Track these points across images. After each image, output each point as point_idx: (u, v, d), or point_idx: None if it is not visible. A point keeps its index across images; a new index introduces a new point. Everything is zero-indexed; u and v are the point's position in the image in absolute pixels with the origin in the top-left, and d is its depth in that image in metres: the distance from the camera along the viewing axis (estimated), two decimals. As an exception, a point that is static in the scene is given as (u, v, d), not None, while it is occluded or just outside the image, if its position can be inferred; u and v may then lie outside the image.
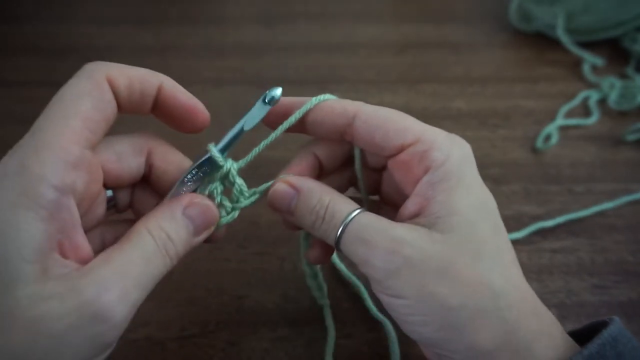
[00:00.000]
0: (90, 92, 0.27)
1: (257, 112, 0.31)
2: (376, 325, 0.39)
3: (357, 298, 0.40)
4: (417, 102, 0.59)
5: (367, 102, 0.31)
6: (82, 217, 0.27)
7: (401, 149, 0.30)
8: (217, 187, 0.31)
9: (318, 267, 0.39)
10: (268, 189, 0.32)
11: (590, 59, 0.63)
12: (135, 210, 0.32)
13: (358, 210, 0.29)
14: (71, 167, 0.25)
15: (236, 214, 0.32)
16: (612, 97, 0.58)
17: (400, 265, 0.27)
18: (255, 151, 0.32)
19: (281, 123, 0.32)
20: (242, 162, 0.31)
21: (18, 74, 0.64)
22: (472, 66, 0.64)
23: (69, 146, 0.25)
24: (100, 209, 0.30)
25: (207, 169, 0.30)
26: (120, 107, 0.28)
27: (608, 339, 0.27)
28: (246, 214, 0.47)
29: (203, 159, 0.30)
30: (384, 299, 0.29)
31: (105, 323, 0.24)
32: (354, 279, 0.41)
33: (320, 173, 0.34)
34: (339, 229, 0.29)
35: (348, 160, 0.35)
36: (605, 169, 0.51)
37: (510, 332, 0.27)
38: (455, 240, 0.27)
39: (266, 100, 0.31)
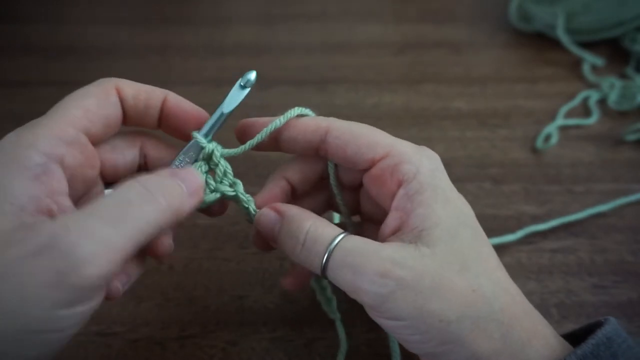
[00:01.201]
0: (97, 94, 0.29)
1: (235, 96, 0.33)
2: (376, 325, 0.39)
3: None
4: (417, 102, 0.59)
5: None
6: (77, 204, 0.28)
7: (373, 163, 0.31)
8: (201, 165, 0.32)
9: (326, 281, 0.39)
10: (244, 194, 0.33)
11: (590, 59, 0.63)
12: None
13: (342, 235, 0.29)
14: (63, 143, 0.27)
15: (218, 194, 0.32)
16: (612, 97, 0.58)
17: (393, 288, 0.27)
18: (244, 148, 0.33)
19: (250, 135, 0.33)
20: (229, 151, 0.33)
21: (18, 74, 0.64)
22: (472, 66, 0.64)
23: (64, 127, 0.28)
24: None
25: (193, 154, 0.32)
26: (126, 115, 0.31)
27: (602, 339, 0.27)
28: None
29: (189, 144, 0.32)
30: (382, 323, 0.28)
31: (69, 257, 0.23)
32: None
33: (294, 196, 0.34)
34: (323, 256, 0.29)
35: (321, 182, 0.35)
36: (605, 169, 0.51)
37: (506, 335, 0.27)
38: (441, 253, 0.28)
39: (242, 84, 0.33)
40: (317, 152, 0.32)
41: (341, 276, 0.28)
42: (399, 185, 0.30)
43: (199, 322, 0.39)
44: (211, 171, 0.33)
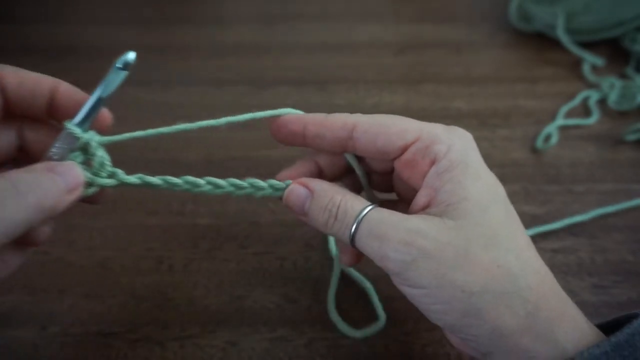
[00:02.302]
0: None
1: (113, 79, 0.31)
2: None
3: (356, 298, 0.40)
4: (417, 102, 0.58)
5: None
6: None
7: (404, 149, 0.31)
8: (77, 156, 0.31)
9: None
10: (130, 182, 0.32)
11: (590, 59, 0.63)
12: None
13: (370, 207, 0.30)
14: None
15: (96, 188, 0.31)
16: (612, 97, 0.58)
17: (416, 256, 0.27)
18: (126, 136, 0.32)
19: (286, 133, 0.33)
20: (108, 139, 0.31)
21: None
22: (472, 66, 0.64)
23: None
24: None
25: (68, 143, 0.30)
26: (10, 104, 0.29)
27: (638, 329, 0.27)
28: (246, 214, 0.47)
29: (62, 134, 0.30)
30: (405, 290, 0.29)
31: None
32: (360, 278, 0.41)
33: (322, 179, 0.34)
34: (352, 227, 0.30)
35: (349, 169, 0.35)
36: (605, 169, 0.51)
37: (531, 314, 0.27)
38: (468, 226, 0.28)
39: (120, 66, 0.31)
40: (344, 149, 0.33)
41: (369, 245, 0.29)
42: (431, 165, 0.30)
43: (199, 322, 0.39)
44: (89, 161, 0.31)
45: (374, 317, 0.39)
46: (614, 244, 0.44)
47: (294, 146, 0.34)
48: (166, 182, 0.32)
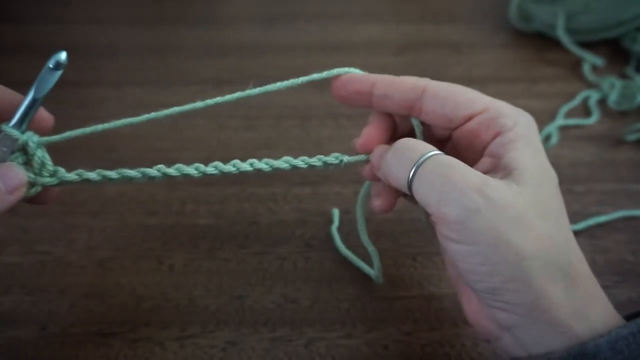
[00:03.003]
0: None
1: (46, 79, 0.31)
2: (376, 325, 0.39)
3: (356, 297, 0.40)
4: (417, 102, 0.58)
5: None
6: None
7: (469, 118, 0.31)
8: (17, 157, 0.31)
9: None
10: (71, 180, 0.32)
11: (590, 59, 0.63)
12: None
13: (438, 151, 0.30)
14: None
15: (39, 188, 0.32)
16: (612, 97, 0.58)
17: (481, 205, 0.27)
18: (65, 135, 0.32)
19: (352, 91, 0.34)
20: (47, 139, 0.32)
21: (18, 74, 0.63)
22: (472, 66, 0.64)
23: None
24: None
25: (7, 146, 0.31)
26: None
27: None
28: (246, 214, 0.47)
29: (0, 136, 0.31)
30: (453, 247, 0.28)
31: None
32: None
33: (394, 135, 0.35)
34: (416, 162, 0.29)
35: (411, 135, 0.35)
36: (605, 169, 0.51)
37: (568, 288, 0.27)
38: (528, 193, 0.28)
39: (52, 66, 0.31)
40: (410, 112, 0.33)
41: (429, 185, 0.28)
42: (495, 137, 0.30)
43: (199, 322, 0.39)
44: (31, 161, 0.31)
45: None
46: (614, 244, 0.44)
47: (357, 106, 0.35)
48: (103, 176, 0.33)
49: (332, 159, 0.35)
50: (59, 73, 0.31)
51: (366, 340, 0.38)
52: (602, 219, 0.46)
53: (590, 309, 0.27)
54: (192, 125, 0.53)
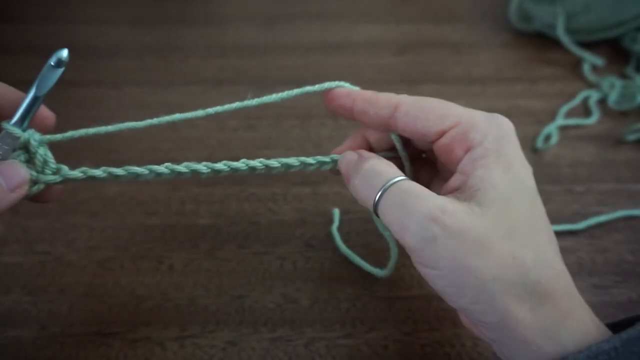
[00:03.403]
0: None
1: (47, 77, 0.31)
2: (376, 325, 0.39)
3: (356, 297, 0.40)
4: (417, 102, 0.58)
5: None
6: None
7: (442, 134, 0.32)
8: (19, 155, 0.31)
9: None
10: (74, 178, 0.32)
11: (590, 59, 0.63)
12: None
13: (402, 177, 0.30)
14: None
15: (42, 185, 0.32)
16: (612, 97, 0.58)
17: (438, 233, 0.27)
18: (68, 135, 0.32)
19: (337, 105, 0.36)
20: (49, 137, 0.32)
21: (18, 74, 0.63)
22: (472, 66, 0.64)
23: None
24: None
25: (8, 144, 0.31)
26: None
27: None
28: (246, 214, 0.47)
29: (0, 135, 0.31)
30: (421, 270, 0.29)
31: None
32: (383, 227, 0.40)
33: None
34: (380, 189, 0.30)
35: (394, 147, 0.37)
36: (605, 169, 0.51)
37: (535, 308, 0.27)
38: (492, 214, 0.28)
39: (53, 64, 0.31)
40: (388, 128, 0.34)
41: (391, 212, 0.30)
42: (467, 151, 0.31)
43: (199, 322, 0.39)
44: (33, 159, 0.31)
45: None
46: (614, 244, 0.44)
47: (346, 118, 0.36)
48: (109, 173, 0.33)
49: (326, 159, 0.36)
50: (60, 71, 0.31)
51: (366, 340, 0.38)
52: (602, 218, 0.46)
53: (562, 327, 0.27)
54: (192, 126, 0.53)
